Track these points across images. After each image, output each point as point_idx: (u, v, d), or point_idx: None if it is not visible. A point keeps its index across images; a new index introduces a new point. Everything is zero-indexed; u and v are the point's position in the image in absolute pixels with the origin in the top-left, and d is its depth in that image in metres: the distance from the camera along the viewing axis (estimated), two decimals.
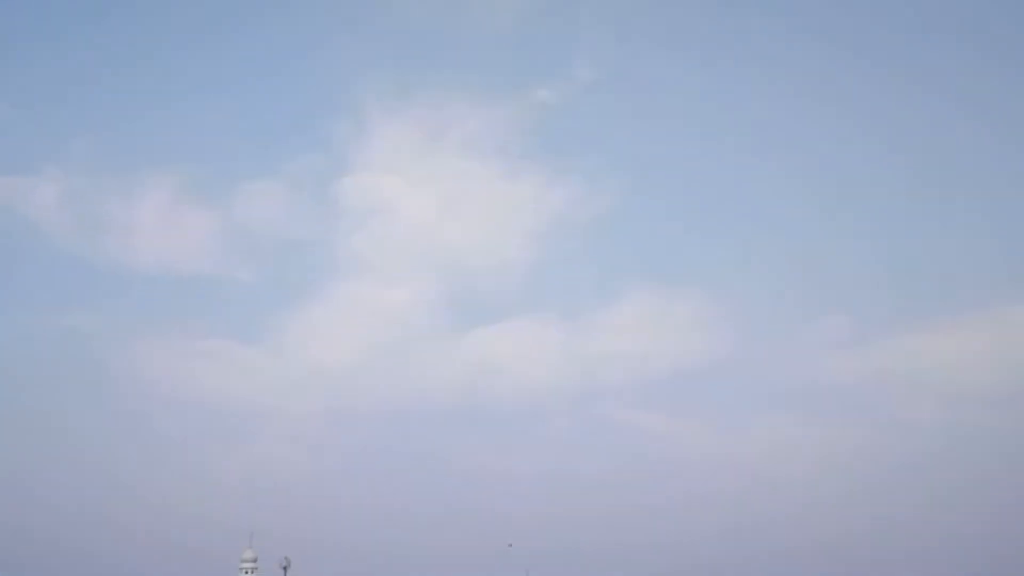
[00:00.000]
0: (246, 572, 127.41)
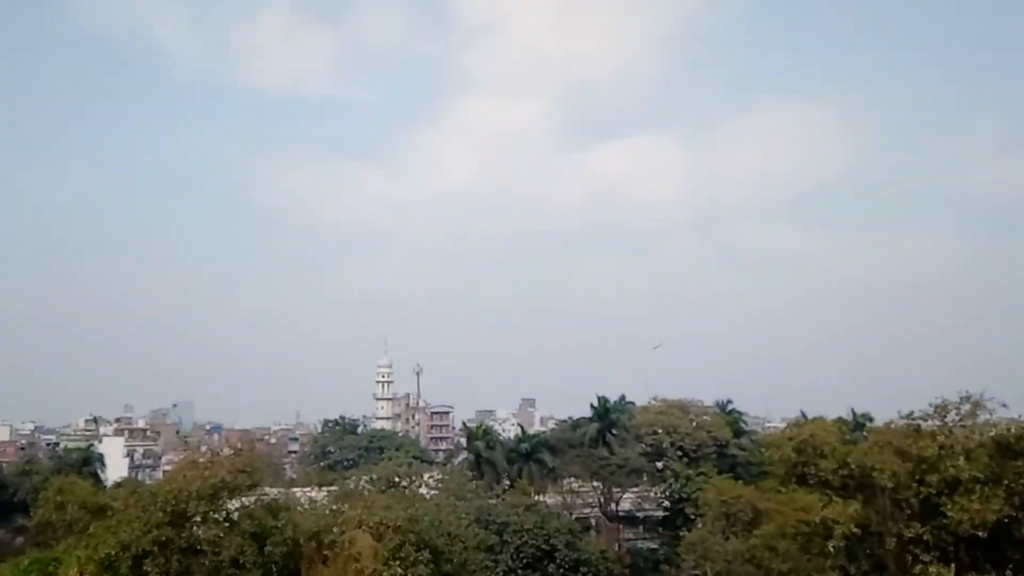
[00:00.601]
0: (382, 377, 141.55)
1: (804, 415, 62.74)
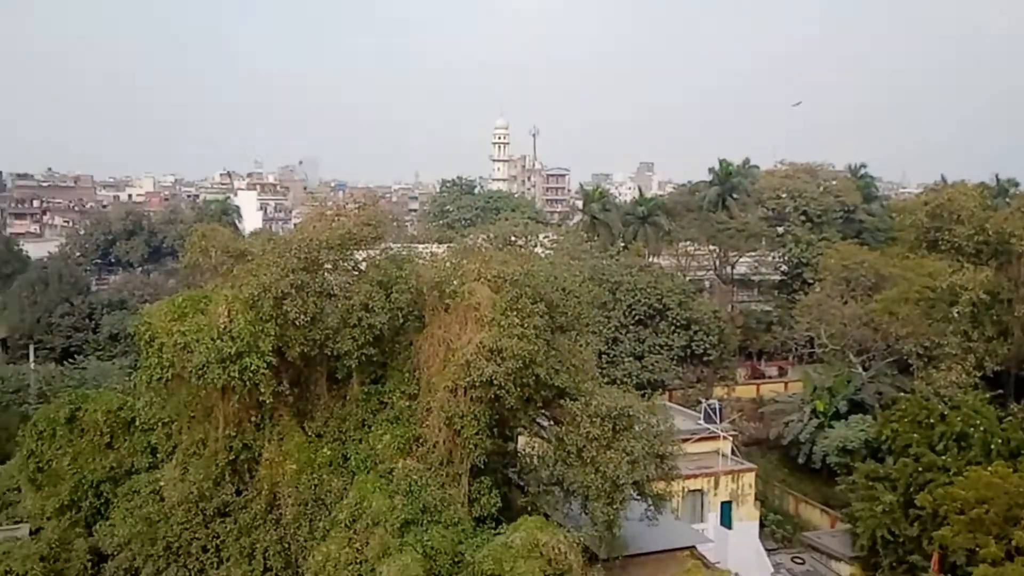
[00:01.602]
0: (498, 139, 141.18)
1: (944, 180, 59.28)
